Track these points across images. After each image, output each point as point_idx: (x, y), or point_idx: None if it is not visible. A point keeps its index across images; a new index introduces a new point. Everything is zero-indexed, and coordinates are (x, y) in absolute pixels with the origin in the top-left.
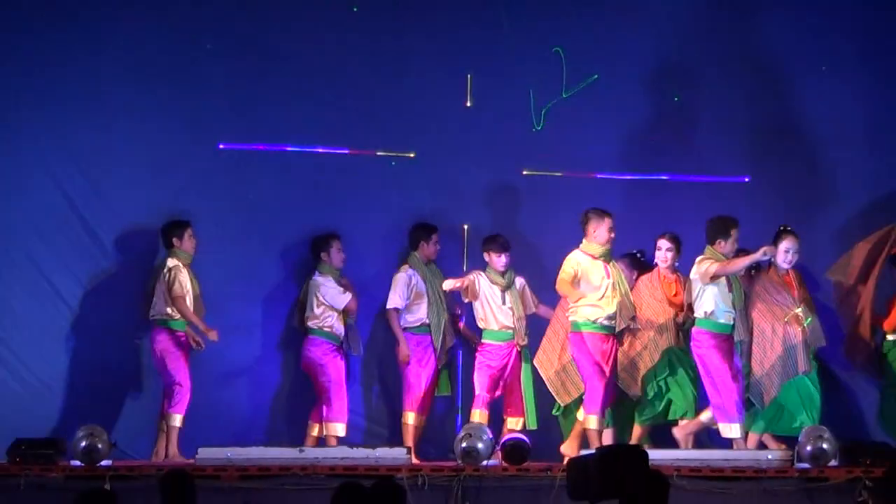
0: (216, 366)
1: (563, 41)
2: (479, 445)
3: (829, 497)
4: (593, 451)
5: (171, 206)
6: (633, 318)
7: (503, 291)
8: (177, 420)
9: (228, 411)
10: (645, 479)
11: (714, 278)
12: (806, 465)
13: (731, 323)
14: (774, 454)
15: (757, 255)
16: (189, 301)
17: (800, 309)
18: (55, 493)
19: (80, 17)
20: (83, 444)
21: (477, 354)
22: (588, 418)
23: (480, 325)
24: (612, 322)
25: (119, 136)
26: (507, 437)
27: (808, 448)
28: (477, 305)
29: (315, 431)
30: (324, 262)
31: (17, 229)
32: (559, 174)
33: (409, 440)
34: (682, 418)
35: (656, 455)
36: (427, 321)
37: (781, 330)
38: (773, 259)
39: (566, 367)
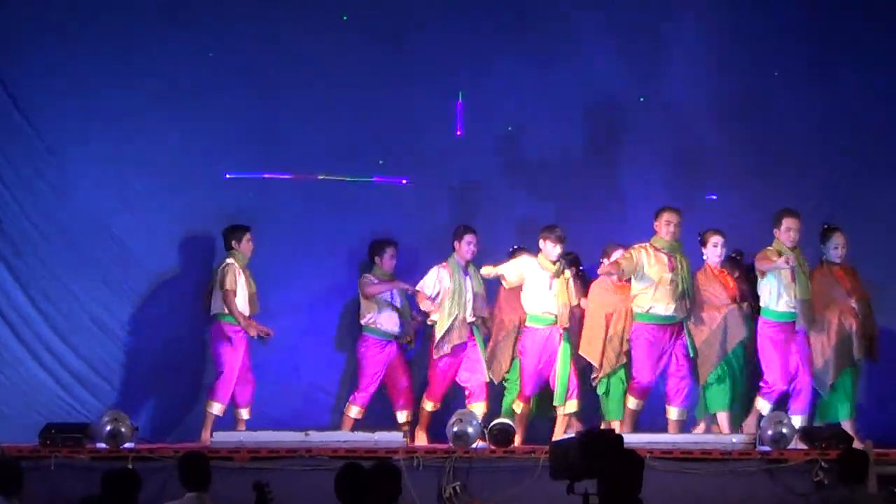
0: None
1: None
2: (469, 430)
3: (788, 477)
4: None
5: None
6: (691, 313)
7: (552, 279)
8: (213, 407)
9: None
10: (622, 459)
11: (762, 273)
12: (767, 448)
13: (791, 311)
14: (739, 438)
15: (779, 263)
16: (243, 298)
17: (853, 301)
18: (82, 472)
19: (108, 41)
20: (108, 428)
21: (520, 339)
22: (629, 398)
23: (525, 308)
24: (671, 313)
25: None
26: (494, 422)
27: (770, 432)
28: (525, 288)
29: (400, 418)
30: (376, 265)
31: (54, 240)
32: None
33: (424, 424)
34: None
35: (631, 438)
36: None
37: (836, 320)
38: (824, 255)
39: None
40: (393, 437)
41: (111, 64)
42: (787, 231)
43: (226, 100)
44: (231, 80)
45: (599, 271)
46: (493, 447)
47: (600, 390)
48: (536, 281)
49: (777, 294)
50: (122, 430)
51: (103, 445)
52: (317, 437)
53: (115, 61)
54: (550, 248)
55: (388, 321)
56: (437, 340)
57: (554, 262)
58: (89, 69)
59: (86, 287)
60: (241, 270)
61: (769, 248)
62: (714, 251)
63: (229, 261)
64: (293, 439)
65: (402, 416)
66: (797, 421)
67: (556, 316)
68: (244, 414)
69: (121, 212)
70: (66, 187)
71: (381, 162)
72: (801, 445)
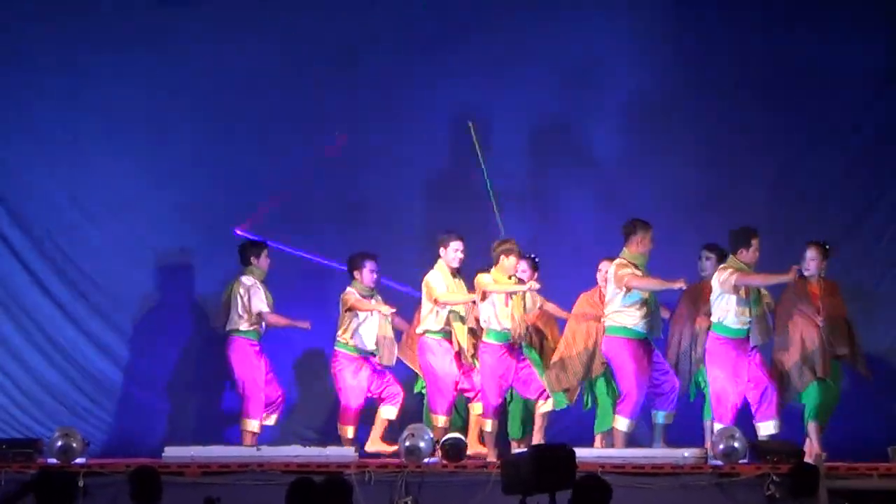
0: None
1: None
2: (421, 444)
3: (740, 491)
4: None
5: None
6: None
7: (507, 294)
8: (249, 425)
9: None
10: (573, 475)
11: (737, 288)
12: (719, 462)
13: (746, 328)
14: (691, 452)
15: (785, 277)
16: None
17: (821, 319)
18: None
19: (54, 65)
20: (59, 443)
21: (479, 356)
22: (617, 419)
23: (484, 325)
24: (647, 329)
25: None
26: (445, 436)
27: (721, 446)
28: (482, 306)
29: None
30: (355, 280)
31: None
32: None
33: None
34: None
35: (583, 453)
36: (448, 328)
37: (799, 336)
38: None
39: (565, 361)
40: (344, 452)
41: (57, 87)
42: (755, 251)
43: (175, 124)
44: (180, 105)
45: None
46: (445, 462)
47: (586, 406)
48: (495, 298)
49: (731, 311)
50: (74, 445)
51: (54, 461)
52: (268, 452)
53: (61, 85)
54: (506, 263)
55: (361, 337)
56: (461, 350)
57: (509, 278)
58: (35, 94)
59: (39, 306)
60: (260, 285)
61: (727, 266)
62: (708, 265)
63: (248, 280)
64: (244, 454)
65: (348, 431)
66: (770, 427)
67: (510, 331)
68: (272, 420)
69: (73, 234)
70: (17, 210)
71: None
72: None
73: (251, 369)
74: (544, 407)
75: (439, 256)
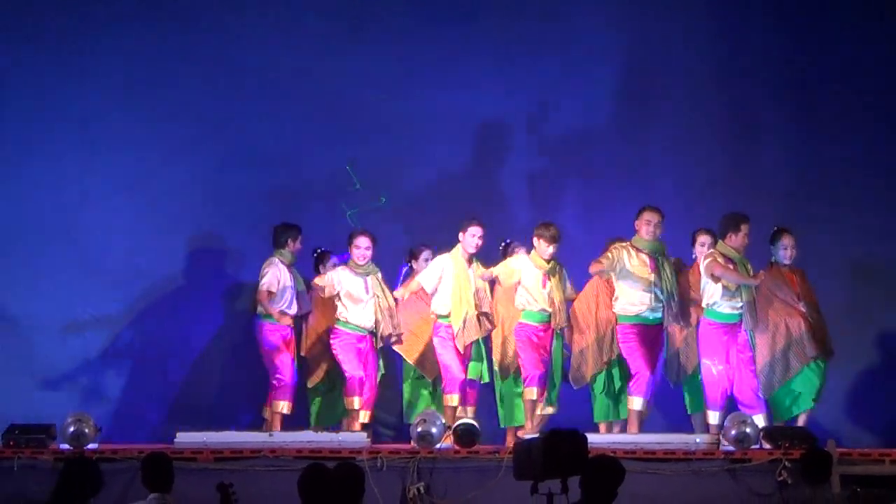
0: None
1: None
2: (433, 430)
3: (752, 476)
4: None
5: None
6: (677, 315)
7: (545, 276)
8: (279, 406)
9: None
10: (585, 460)
11: (715, 278)
12: (731, 448)
13: (736, 313)
14: (703, 438)
15: (754, 281)
16: (287, 295)
17: (802, 304)
18: (46, 473)
19: (67, 39)
20: (71, 428)
21: (515, 334)
22: (632, 399)
23: (519, 306)
24: (654, 314)
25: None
26: (457, 422)
27: (733, 432)
28: (519, 286)
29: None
30: (352, 258)
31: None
32: None
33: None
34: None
35: (595, 438)
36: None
37: (783, 323)
38: (773, 256)
39: (584, 352)
40: (357, 438)
41: (69, 62)
42: (744, 237)
43: (188, 98)
44: (194, 79)
45: (590, 270)
46: (457, 447)
47: (597, 390)
48: (530, 279)
49: (721, 296)
50: (86, 430)
51: (67, 446)
52: (280, 438)
53: (74, 60)
54: (544, 247)
55: (360, 315)
56: (455, 333)
57: (547, 261)
58: (46, 70)
59: (50, 288)
60: (285, 268)
61: (713, 252)
62: (703, 251)
63: (272, 259)
64: (257, 440)
65: (362, 416)
66: (714, 417)
67: (551, 314)
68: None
69: (82, 213)
70: (29, 188)
71: (348, 166)
72: (766, 445)
73: (279, 353)
74: (547, 409)
75: (458, 241)
